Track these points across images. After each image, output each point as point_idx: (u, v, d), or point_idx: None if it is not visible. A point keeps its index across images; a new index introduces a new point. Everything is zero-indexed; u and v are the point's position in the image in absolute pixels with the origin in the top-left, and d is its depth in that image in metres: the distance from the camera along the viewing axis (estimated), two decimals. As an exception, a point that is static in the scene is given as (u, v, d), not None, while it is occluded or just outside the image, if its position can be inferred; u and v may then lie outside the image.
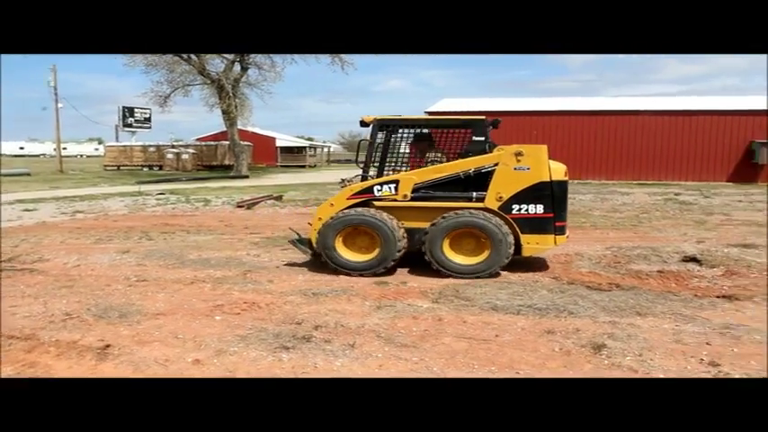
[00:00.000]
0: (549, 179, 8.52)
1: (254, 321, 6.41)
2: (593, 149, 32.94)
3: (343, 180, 9.84)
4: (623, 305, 7.03)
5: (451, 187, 8.74)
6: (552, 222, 8.61)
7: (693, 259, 9.59)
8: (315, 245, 9.06)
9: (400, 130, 9.53)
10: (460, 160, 8.88)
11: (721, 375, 4.93)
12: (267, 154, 60.93)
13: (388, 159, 9.35)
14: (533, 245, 8.67)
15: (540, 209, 8.56)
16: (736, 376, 4.90)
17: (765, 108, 32.65)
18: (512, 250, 8.48)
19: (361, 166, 9.24)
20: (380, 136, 9.24)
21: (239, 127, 43.26)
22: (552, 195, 8.53)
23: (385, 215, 8.63)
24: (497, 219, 8.47)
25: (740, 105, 33.74)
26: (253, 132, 56.00)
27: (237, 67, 41.18)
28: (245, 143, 47.61)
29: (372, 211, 8.72)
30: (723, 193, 25.15)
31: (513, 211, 8.55)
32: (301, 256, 10.23)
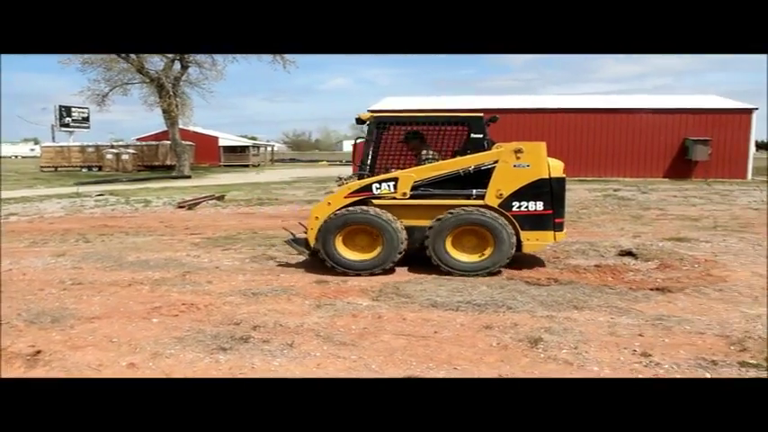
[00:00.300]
0: (548, 176, 8.61)
1: (191, 323, 6.32)
2: (535, 147, 33.37)
3: (340, 178, 9.54)
4: (561, 299, 7.15)
5: (451, 185, 8.72)
6: (552, 219, 8.70)
7: (629, 253, 9.81)
8: (312, 244, 8.85)
9: (392, 127, 9.48)
10: (460, 158, 8.87)
11: (652, 365, 5.06)
12: (210, 154, 60.19)
13: (380, 157, 9.27)
14: (533, 241, 8.74)
15: (539, 206, 8.64)
16: (666, 366, 5.04)
17: (699, 107, 33.84)
18: (514, 248, 8.57)
19: (359, 165, 9.11)
20: (376, 133, 9.13)
21: (181, 126, 42.61)
22: (551, 192, 8.63)
23: (387, 213, 8.54)
24: (500, 216, 8.53)
25: (675, 104, 34.84)
26: (195, 132, 55.17)
27: (177, 66, 40.51)
28: (187, 143, 46.91)
29: (374, 209, 8.60)
30: (660, 188, 25.89)
31: (514, 208, 8.61)
32: (241, 255, 10.15)
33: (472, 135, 9.01)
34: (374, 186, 8.70)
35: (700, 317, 6.49)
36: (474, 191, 8.69)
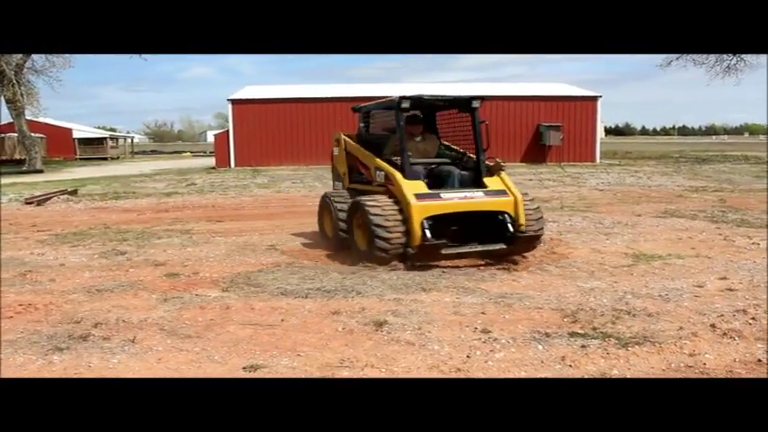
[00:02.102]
0: None
1: (27, 324, 5.95)
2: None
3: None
4: (410, 282, 7.30)
5: None
6: None
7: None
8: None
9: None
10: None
11: (491, 341, 5.26)
12: (64, 146, 56.87)
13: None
14: None
15: None
16: (503, 341, 5.25)
17: (551, 94, 35.61)
18: None
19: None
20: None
21: (29, 117, 39.91)
22: None
23: None
24: None
25: (529, 91, 36.45)
26: (45, 123, 51.93)
27: (19, 52, 37.82)
28: (38, 135, 44.10)
29: None
30: (516, 172, 26.90)
31: None
32: (90, 251, 9.69)
33: None
34: None
35: (540, 293, 6.83)
36: None
